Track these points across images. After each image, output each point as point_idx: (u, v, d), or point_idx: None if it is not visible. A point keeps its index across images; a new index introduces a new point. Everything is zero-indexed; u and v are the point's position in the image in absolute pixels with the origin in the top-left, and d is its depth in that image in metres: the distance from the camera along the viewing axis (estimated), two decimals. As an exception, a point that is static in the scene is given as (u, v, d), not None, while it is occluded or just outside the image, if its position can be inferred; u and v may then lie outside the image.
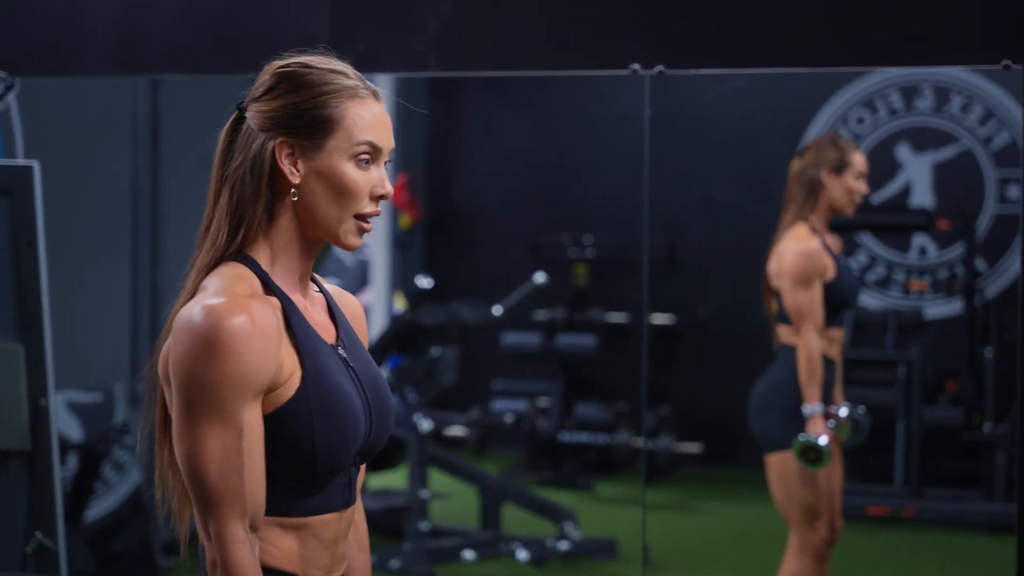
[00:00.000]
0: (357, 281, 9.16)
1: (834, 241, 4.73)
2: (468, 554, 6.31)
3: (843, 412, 4.63)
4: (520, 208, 9.19)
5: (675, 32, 3.98)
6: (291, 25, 4.19)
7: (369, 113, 2.14)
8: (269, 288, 2.11)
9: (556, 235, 8.85)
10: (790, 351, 4.60)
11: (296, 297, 2.14)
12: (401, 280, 9.07)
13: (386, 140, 2.15)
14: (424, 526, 6.33)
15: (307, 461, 2.07)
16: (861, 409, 4.75)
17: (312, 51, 2.20)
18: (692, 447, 8.13)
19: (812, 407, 4.50)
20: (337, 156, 2.11)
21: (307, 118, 2.10)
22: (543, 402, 8.20)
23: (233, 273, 2.09)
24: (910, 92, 8.13)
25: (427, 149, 9.58)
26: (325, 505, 2.12)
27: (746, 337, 8.35)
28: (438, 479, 6.89)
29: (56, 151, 5.50)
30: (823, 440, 4.45)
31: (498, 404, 8.05)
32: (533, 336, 8.47)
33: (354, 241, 2.15)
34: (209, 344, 1.98)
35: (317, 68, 2.14)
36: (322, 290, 2.26)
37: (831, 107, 8.28)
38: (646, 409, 8.06)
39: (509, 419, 7.61)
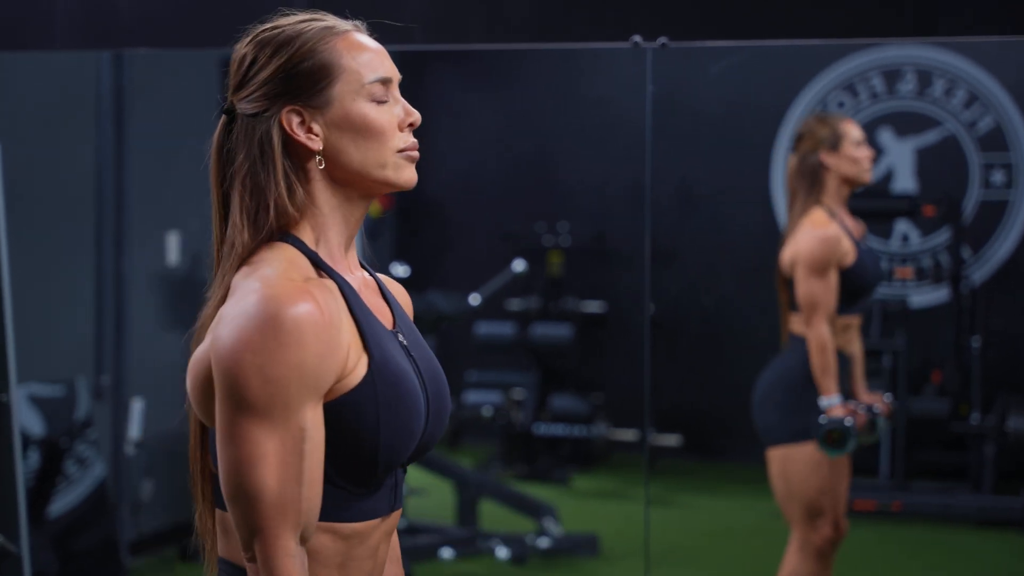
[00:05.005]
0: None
1: (855, 224, 4.54)
2: (446, 552, 6.10)
3: (867, 408, 4.40)
4: (492, 195, 8.98)
5: (677, 2, 3.76)
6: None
7: (362, 46, 1.94)
8: (321, 269, 1.89)
9: (530, 223, 8.65)
10: (799, 341, 4.38)
11: (350, 278, 1.94)
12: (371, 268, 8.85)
13: (391, 68, 1.96)
14: (400, 523, 6.09)
15: (367, 457, 1.85)
16: (876, 407, 4.50)
17: (267, 17, 1.97)
18: (671, 439, 7.96)
19: (830, 399, 4.28)
20: (350, 100, 1.91)
21: (302, 74, 1.90)
22: (517, 394, 8.00)
23: (280, 256, 1.87)
24: (892, 75, 7.97)
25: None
26: (374, 509, 1.92)
27: (727, 327, 8.20)
28: (413, 474, 6.70)
29: (14, 130, 5.27)
30: (848, 420, 4.21)
31: (472, 396, 7.85)
32: (507, 326, 8.27)
33: (408, 174, 1.94)
34: (272, 334, 1.74)
35: (288, 24, 1.93)
36: (372, 274, 2.05)
37: (810, 91, 8.10)
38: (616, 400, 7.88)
39: (487, 412, 7.41)
